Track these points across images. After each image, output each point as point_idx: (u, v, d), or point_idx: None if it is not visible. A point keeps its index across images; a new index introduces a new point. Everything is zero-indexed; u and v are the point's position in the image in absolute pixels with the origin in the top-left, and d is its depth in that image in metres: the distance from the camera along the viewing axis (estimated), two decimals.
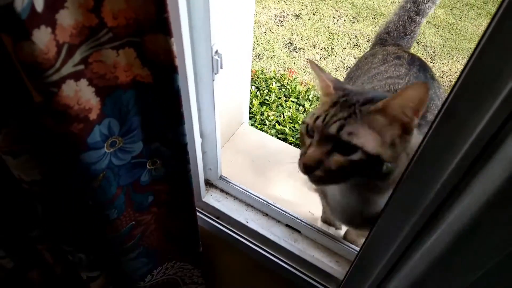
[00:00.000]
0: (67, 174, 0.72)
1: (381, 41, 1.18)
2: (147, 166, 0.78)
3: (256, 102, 1.94)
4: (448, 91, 0.44)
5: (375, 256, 0.71)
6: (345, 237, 1.02)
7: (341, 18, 3.51)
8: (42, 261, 1.09)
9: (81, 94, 0.57)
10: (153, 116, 0.68)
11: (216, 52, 0.75)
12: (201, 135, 0.94)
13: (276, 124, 1.84)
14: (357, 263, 0.76)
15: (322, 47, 3.22)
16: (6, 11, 0.43)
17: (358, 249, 0.87)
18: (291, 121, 1.87)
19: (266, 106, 1.95)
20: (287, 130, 1.82)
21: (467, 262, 0.54)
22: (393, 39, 1.15)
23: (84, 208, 0.80)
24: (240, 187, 1.04)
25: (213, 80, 0.79)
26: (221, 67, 0.78)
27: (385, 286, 0.72)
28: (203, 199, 1.04)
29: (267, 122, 1.87)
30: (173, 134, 0.71)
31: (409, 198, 0.57)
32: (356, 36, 3.35)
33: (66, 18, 0.49)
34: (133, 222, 0.84)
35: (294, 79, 2.23)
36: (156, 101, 0.66)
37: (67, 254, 0.93)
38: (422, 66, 0.93)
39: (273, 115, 1.91)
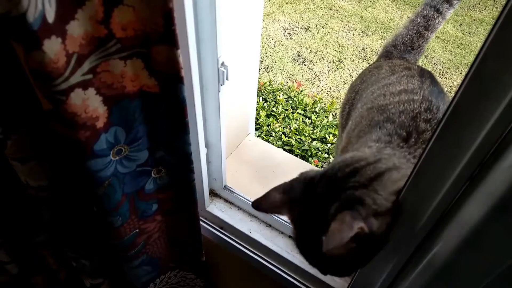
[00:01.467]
0: (73, 181, 0.74)
1: (387, 53, 1.18)
2: (152, 175, 0.79)
3: (263, 113, 1.95)
4: None
5: (376, 269, 0.71)
6: None
7: (350, 32, 3.53)
8: (47, 267, 1.10)
9: (89, 103, 0.59)
10: (159, 125, 0.70)
11: (223, 64, 0.76)
12: (206, 145, 0.95)
13: (283, 136, 1.85)
14: (358, 276, 0.76)
15: (330, 60, 3.24)
16: (19, 21, 0.45)
17: None
18: (297, 133, 1.88)
19: (273, 118, 1.96)
20: (293, 142, 1.82)
21: (467, 276, 0.54)
22: (399, 52, 1.15)
23: (88, 215, 0.81)
24: (244, 198, 1.05)
25: (219, 91, 0.81)
26: (227, 79, 0.79)
27: None
28: (207, 209, 1.04)
29: (273, 134, 1.88)
30: (178, 143, 0.72)
31: (412, 207, 0.57)
32: (364, 50, 3.36)
33: (76, 29, 0.51)
34: (137, 230, 0.85)
35: (302, 91, 2.25)
36: (162, 110, 0.67)
37: (71, 260, 0.94)
38: (432, 79, 0.92)
39: (279, 126, 1.92)
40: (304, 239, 0.70)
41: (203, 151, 0.93)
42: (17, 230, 0.98)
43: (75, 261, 0.93)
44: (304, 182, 0.70)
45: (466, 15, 3.68)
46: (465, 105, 0.42)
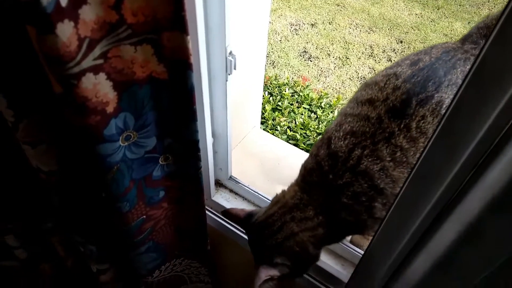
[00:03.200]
0: (83, 165, 0.75)
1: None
2: (160, 162, 0.80)
3: (268, 107, 1.96)
4: None
5: (377, 260, 0.71)
6: (351, 240, 1.02)
7: (357, 29, 3.52)
8: (54, 253, 1.12)
9: (100, 88, 0.60)
10: (167, 112, 0.71)
11: (230, 53, 0.77)
12: (213, 135, 0.96)
13: (288, 130, 1.86)
14: (361, 266, 0.77)
15: (336, 57, 3.23)
16: (33, 5, 0.46)
17: (363, 252, 0.88)
18: (302, 127, 1.89)
19: (278, 112, 1.97)
20: (298, 136, 1.83)
21: (466, 267, 0.55)
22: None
23: (97, 200, 0.82)
24: (249, 188, 1.06)
25: (226, 81, 0.82)
26: (235, 68, 0.80)
27: None
28: (213, 198, 1.05)
29: (278, 128, 1.89)
30: (185, 131, 0.73)
31: (413, 202, 0.58)
32: (371, 47, 3.35)
33: (88, 13, 0.52)
34: (144, 216, 0.86)
35: (307, 86, 2.25)
36: (170, 97, 0.68)
37: (78, 246, 0.96)
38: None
39: (284, 121, 1.93)
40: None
41: (209, 141, 0.94)
42: (27, 216, 1.00)
43: (82, 246, 0.95)
44: (249, 219, 0.90)
45: (474, 12, 3.65)
46: (468, 100, 0.43)
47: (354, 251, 0.93)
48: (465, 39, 0.86)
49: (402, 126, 0.73)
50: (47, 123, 0.69)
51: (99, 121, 0.63)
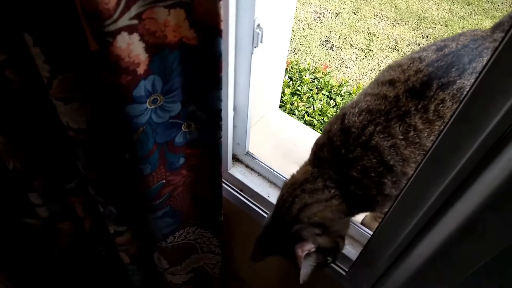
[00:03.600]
0: (111, 125, 0.78)
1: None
2: (182, 128, 0.83)
3: (287, 91, 1.97)
4: None
5: (383, 243, 0.73)
6: (362, 222, 1.04)
7: (382, 20, 3.48)
8: (74, 214, 1.17)
9: (133, 48, 0.62)
10: (194, 79, 0.73)
11: (258, 25, 0.79)
12: (234, 109, 0.99)
13: (305, 115, 1.87)
14: (368, 247, 0.79)
15: (359, 48, 3.20)
16: None
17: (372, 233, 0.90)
18: (320, 114, 1.90)
19: (297, 97, 1.98)
20: (315, 122, 1.84)
21: (461, 259, 0.56)
22: None
23: (121, 161, 0.86)
24: (266, 164, 1.08)
25: (252, 54, 0.83)
26: (261, 42, 0.81)
27: (393, 270, 0.74)
28: (229, 171, 1.08)
29: (296, 112, 1.90)
30: (209, 98, 0.75)
31: (424, 185, 0.60)
32: (395, 40, 3.31)
33: None
34: (164, 181, 0.89)
35: (328, 73, 2.25)
36: (198, 63, 0.70)
37: (99, 206, 1.00)
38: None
39: (303, 106, 1.94)
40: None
41: (230, 114, 0.97)
42: (52, 174, 1.04)
43: (103, 207, 0.99)
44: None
45: (506, 11, 3.56)
46: (485, 88, 0.44)
47: (364, 232, 0.95)
48: (495, 28, 0.85)
49: (419, 106, 0.73)
50: (80, 81, 0.73)
51: (129, 81, 0.66)
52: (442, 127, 0.60)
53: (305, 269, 0.79)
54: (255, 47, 0.82)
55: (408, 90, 0.75)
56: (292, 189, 0.84)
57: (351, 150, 0.76)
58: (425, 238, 0.62)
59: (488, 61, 0.42)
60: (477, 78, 0.44)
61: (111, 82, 0.65)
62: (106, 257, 1.37)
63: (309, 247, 0.79)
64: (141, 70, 0.66)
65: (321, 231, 0.80)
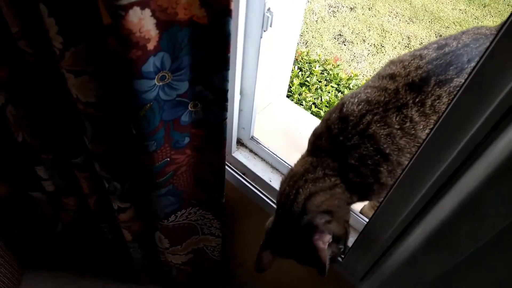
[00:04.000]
0: (119, 100, 0.80)
1: None
2: (189, 108, 0.84)
3: (296, 81, 1.97)
4: None
5: (381, 226, 0.75)
6: (361, 211, 1.05)
7: (397, 17, 3.45)
8: (79, 189, 1.19)
9: (144, 23, 0.64)
10: (202, 58, 0.74)
11: (269, 9, 0.79)
12: (241, 92, 1.00)
13: (313, 106, 1.87)
14: (363, 233, 0.80)
15: (372, 44, 3.19)
16: None
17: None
18: (327, 105, 1.90)
19: (306, 87, 1.98)
20: (322, 113, 1.85)
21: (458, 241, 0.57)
22: None
23: (127, 137, 0.88)
24: (269, 150, 1.10)
25: (261, 37, 0.84)
26: (271, 26, 0.82)
27: (388, 256, 0.76)
28: (233, 154, 1.10)
29: (303, 103, 1.91)
30: (216, 78, 0.77)
31: (418, 175, 0.61)
32: (409, 38, 3.28)
33: None
34: (168, 159, 0.91)
35: (338, 65, 2.25)
36: (207, 43, 0.71)
37: (104, 182, 1.02)
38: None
39: (311, 97, 1.94)
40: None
41: (237, 97, 0.98)
42: (60, 148, 1.07)
43: (108, 182, 1.01)
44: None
45: None
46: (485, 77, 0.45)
47: (360, 219, 0.96)
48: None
49: (417, 100, 0.75)
50: (91, 54, 0.74)
51: (139, 56, 0.67)
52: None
53: (328, 260, 0.78)
54: (264, 31, 0.83)
55: (408, 84, 0.76)
56: (294, 181, 0.83)
57: (348, 138, 0.77)
58: (422, 221, 0.63)
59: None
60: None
61: (121, 57, 0.67)
62: (108, 234, 1.40)
63: (328, 238, 0.78)
64: (151, 46, 0.67)
65: (330, 217, 0.79)
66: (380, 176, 0.77)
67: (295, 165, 0.88)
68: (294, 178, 0.84)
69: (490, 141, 0.48)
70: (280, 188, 0.87)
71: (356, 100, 0.79)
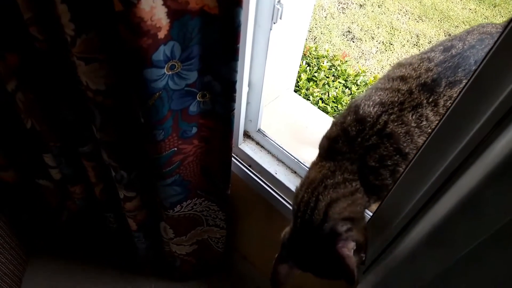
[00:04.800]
0: (128, 89, 0.81)
1: None
2: (197, 98, 0.85)
3: (304, 76, 1.97)
4: None
5: (382, 224, 0.75)
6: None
7: (406, 15, 3.42)
8: (86, 178, 1.20)
9: (155, 11, 0.64)
10: (212, 48, 0.75)
11: (279, 1, 0.79)
12: (249, 85, 1.00)
13: (320, 101, 1.87)
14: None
15: (380, 41, 3.17)
16: None
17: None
18: (334, 101, 1.90)
19: (313, 83, 1.98)
20: (329, 109, 1.85)
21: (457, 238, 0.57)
22: None
23: (135, 126, 0.88)
24: (276, 143, 1.10)
25: (270, 29, 0.84)
26: (281, 18, 0.82)
27: (393, 248, 0.76)
28: (239, 146, 1.10)
29: (311, 98, 1.90)
30: (225, 69, 0.77)
31: (420, 173, 0.62)
32: (418, 36, 3.26)
33: None
34: (175, 149, 0.92)
35: (346, 61, 2.24)
36: (217, 33, 0.72)
37: (111, 170, 1.03)
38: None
39: (318, 92, 1.94)
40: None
41: (245, 89, 0.98)
42: (68, 136, 1.07)
43: (115, 171, 1.02)
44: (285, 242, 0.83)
45: None
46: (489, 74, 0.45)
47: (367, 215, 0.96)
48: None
49: (430, 100, 0.76)
50: (102, 42, 0.75)
51: (150, 44, 0.67)
52: None
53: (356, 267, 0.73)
54: (274, 23, 0.83)
55: (420, 84, 0.77)
56: (313, 188, 0.79)
57: (367, 139, 0.77)
58: (422, 219, 0.64)
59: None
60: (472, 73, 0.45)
61: (132, 45, 0.67)
62: (113, 223, 1.41)
63: (352, 245, 0.74)
64: (161, 34, 0.68)
65: (351, 225, 0.76)
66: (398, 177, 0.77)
67: (309, 172, 0.85)
68: (312, 185, 0.79)
69: (491, 140, 0.48)
70: (297, 197, 0.83)
71: (371, 103, 0.79)
